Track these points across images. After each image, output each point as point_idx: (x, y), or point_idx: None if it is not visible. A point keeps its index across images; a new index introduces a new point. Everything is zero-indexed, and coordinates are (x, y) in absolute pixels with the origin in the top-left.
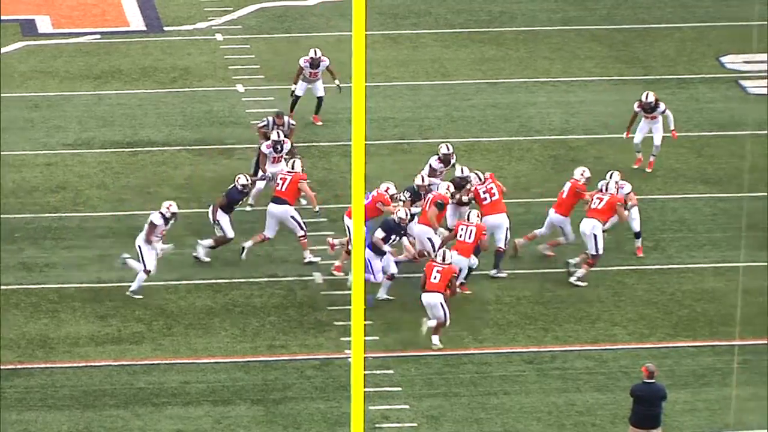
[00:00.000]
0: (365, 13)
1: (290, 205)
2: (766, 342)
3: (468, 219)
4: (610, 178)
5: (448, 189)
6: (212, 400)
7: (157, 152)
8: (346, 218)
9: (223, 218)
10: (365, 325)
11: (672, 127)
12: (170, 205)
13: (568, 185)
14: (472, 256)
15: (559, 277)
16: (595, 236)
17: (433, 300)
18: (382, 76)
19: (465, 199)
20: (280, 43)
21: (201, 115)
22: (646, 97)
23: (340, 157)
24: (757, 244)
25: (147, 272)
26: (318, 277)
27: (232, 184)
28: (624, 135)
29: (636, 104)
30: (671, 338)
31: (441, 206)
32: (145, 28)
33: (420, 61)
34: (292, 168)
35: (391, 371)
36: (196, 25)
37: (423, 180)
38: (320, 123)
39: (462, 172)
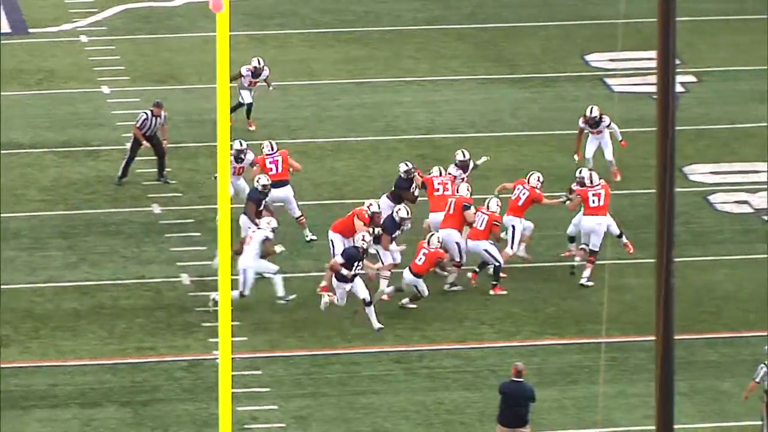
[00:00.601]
0: (229, 14)
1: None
2: (633, 339)
3: (487, 207)
4: (582, 173)
5: (468, 190)
6: (80, 402)
7: (24, 154)
8: (330, 232)
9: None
10: (233, 326)
11: (620, 139)
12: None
13: (524, 191)
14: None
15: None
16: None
17: (412, 279)
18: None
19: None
20: (145, 44)
21: (66, 117)
22: (590, 112)
23: (206, 158)
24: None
25: None
26: (188, 277)
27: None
28: (575, 157)
29: (581, 120)
30: (538, 336)
31: (467, 207)
32: (10, 30)
33: (286, 62)
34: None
35: (259, 372)
36: (61, 26)
37: (400, 211)
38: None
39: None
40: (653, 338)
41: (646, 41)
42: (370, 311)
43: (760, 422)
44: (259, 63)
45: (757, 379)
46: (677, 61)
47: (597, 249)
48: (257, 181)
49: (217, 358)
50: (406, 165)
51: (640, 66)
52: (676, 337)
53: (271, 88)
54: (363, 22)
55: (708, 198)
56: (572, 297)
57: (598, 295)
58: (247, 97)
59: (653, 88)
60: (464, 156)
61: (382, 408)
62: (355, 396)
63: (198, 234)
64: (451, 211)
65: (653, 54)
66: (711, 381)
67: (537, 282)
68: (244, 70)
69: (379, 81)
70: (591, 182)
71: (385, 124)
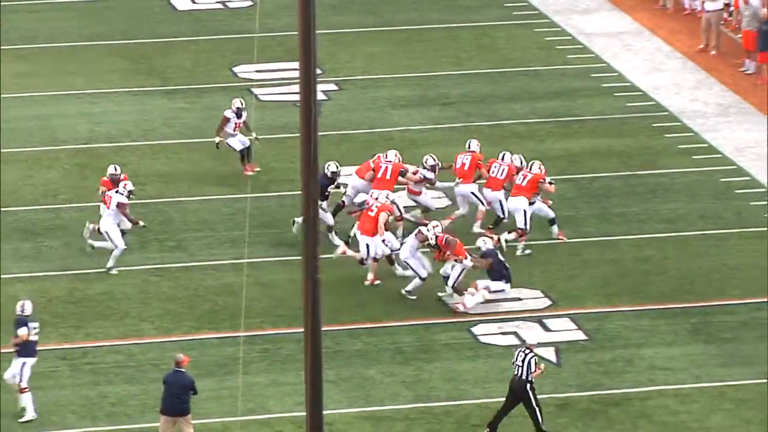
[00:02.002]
0: None
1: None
2: (284, 331)
3: (502, 159)
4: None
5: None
6: None
7: None
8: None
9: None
10: None
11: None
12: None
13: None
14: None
15: (89, 277)
16: (524, 211)
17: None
18: None
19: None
20: None
21: None
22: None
23: None
24: (269, 241)
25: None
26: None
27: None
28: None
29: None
30: (196, 331)
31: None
32: None
33: None
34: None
35: None
36: None
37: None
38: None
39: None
40: (302, 330)
41: (290, 53)
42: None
43: (404, 405)
44: (241, 103)
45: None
46: (319, 71)
47: (524, 227)
48: (327, 168)
49: None
50: (336, 165)
51: (285, 76)
52: (323, 329)
53: (254, 134)
54: (26, 39)
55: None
56: (226, 293)
57: (250, 290)
58: (237, 144)
59: (297, 97)
60: (433, 160)
61: (49, 403)
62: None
63: None
64: (388, 176)
65: (296, 65)
66: (356, 368)
67: (194, 281)
68: (228, 113)
69: (43, 95)
70: (530, 167)
71: (48, 135)
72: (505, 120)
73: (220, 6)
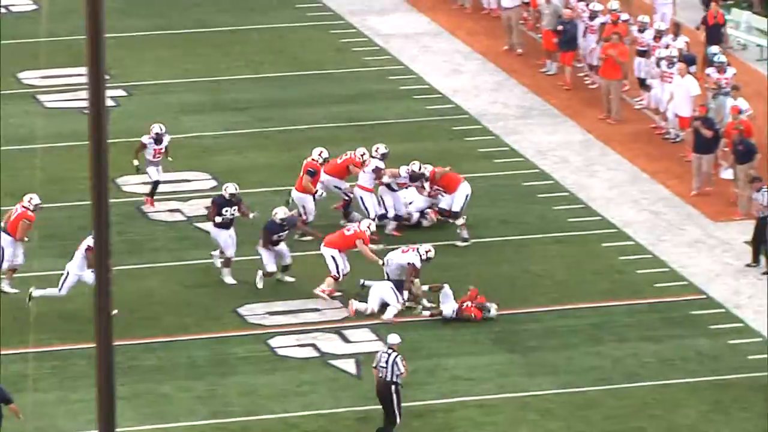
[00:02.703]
0: None
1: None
2: (74, 347)
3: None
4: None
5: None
6: None
7: None
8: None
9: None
10: None
11: None
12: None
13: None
14: None
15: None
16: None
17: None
18: None
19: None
20: None
21: None
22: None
23: None
24: (58, 253)
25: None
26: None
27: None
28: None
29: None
30: None
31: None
32: None
33: None
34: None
35: None
36: None
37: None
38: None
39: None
40: (93, 345)
41: (76, 58)
42: None
43: (200, 422)
44: (161, 129)
45: (375, 365)
46: (107, 76)
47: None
48: (275, 215)
49: None
50: (235, 187)
51: (72, 82)
52: (115, 343)
53: (169, 158)
54: None
55: (141, 208)
56: (14, 308)
57: (39, 305)
58: (154, 174)
59: (85, 103)
60: (385, 149)
61: None
62: None
63: None
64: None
65: (84, 70)
66: (150, 384)
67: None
68: (146, 139)
69: None
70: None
71: None
72: (301, 125)
73: (2, 10)
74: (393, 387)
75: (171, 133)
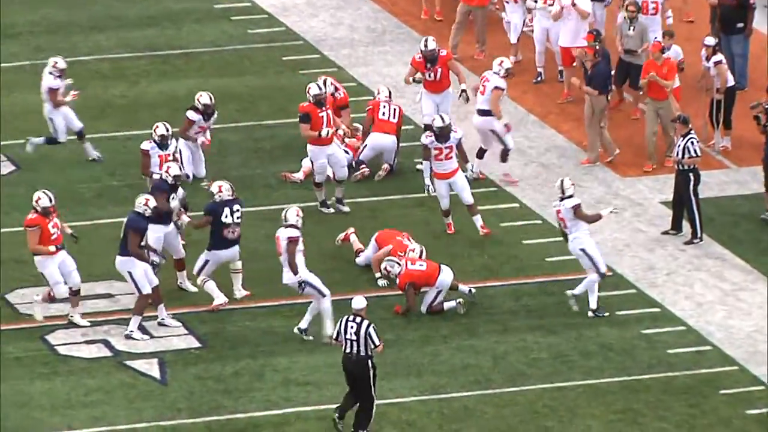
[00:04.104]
0: None
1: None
2: None
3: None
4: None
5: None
6: None
7: None
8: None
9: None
10: None
11: None
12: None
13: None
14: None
15: None
16: None
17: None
18: None
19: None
20: None
21: None
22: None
23: None
24: None
25: None
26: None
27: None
28: None
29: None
30: None
31: None
32: None
33: None
34: None
35: None
36: None
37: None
38: None
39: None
40: None
41: None
42: None
43: None
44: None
45: (336, 337)
46: None
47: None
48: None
49: None
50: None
51: None
52: None
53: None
54: None
55: None
56: None
57: None
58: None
59: None
60: (443, 122)
61: None
62: None
63: None
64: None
65: None
66: None
67: None
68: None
69: None
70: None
71: None
72: (84, 56)
73: None
74: (369, 362)
75: None
